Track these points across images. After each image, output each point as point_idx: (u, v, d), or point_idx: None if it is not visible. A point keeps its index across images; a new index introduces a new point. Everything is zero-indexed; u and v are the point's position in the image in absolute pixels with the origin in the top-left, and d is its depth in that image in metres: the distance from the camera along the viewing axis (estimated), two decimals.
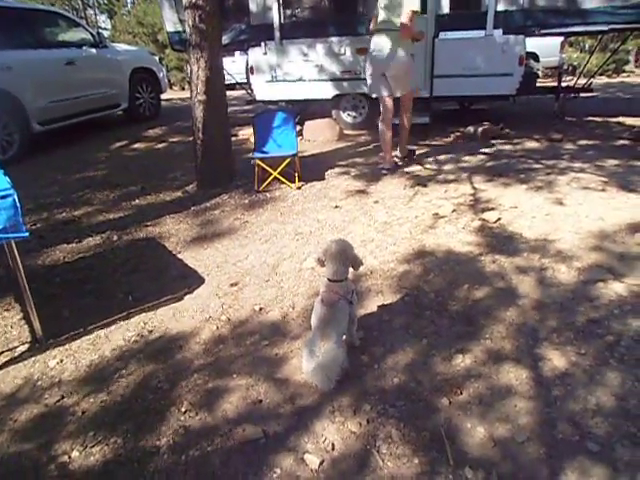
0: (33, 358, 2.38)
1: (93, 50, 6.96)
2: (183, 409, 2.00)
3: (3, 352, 2.43)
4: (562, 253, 2.97)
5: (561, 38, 10.12)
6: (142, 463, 1.77)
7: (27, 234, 2.18)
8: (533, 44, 8.36)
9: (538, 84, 8.46)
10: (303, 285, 2.89)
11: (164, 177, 5.19)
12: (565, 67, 11.78)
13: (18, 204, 2.13)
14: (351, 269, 2.20)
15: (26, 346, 2.47)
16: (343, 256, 2.14)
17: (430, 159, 5.23)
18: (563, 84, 7.24)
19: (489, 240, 3.22)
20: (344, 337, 2.18)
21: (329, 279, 2.15)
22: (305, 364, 2.10)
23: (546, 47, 10.23)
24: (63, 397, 2.12)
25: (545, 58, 10.73)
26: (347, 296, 2.13)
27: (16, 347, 2.47)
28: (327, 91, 6.56)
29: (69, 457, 1.80)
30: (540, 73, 10.33)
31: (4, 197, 2.10)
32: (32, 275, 2.77)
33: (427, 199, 4.03)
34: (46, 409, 2.05)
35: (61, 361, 2.35)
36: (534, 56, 9.99)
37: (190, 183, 4.79)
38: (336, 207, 4.02)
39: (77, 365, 2.32)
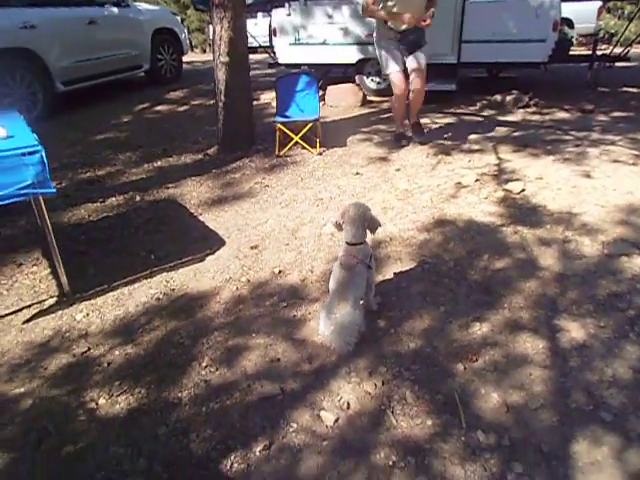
0: (61, 311, 2.48)
1: (115, 9, 6.86)
2: (204, 364, 2.07)
3: (33, 304, 2.53)
4: (587, 226, 2.92)
5: (599, 3, 9.64)
6: (165, 413, 1.85)
7: (54, 190, 2.23)
8: (568, 9, 7.96)
9: (571, 52, 8.11)
10: (322, 250, 2.91)
11: (186, 140, 5.19)
12: (601, 34, 11.23)
13: (45, 160, 2.17)
14: (369, 234, 2.20)
15: (54, 300, 2.57)
16: (361, 218, 2.13)
17: (455, 127, 5.11)
18: (598, 52, 6.92)
19: (512, 211, 3.17)
20: (361, 301, 2.20)
21: (347, 242, 2.16)
22: (322, 327, 2.14)
23: (582, 13, 9.74)
24: (90, 349, 2.21)
25: (580, 24, 10.21)
26: (365, 260, 2.14)
27: (44, 300, 2.57)
28: (351, 55, 6.39)
29: (96, 404, 1.89)
30: (574, 40, 9.88)
31: (32, 153, 2.14)
32: (59, 232, 2.83)
33: (450, 168, 3.96)
34: (74, 359, 2.14)
35: (87, 315, 2.44)
36: (568, 22, 9.53)
37: (211, 146, 4.79)
38: (357, 174, 3.99)
39: (102, 319, 2.41)
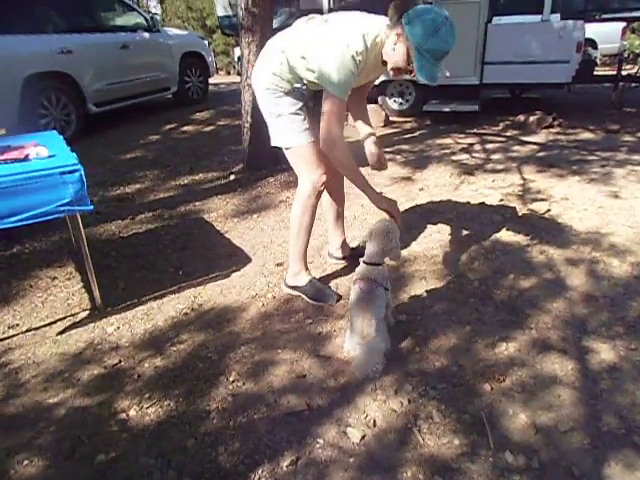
0: (93, 324, 2.54)
1: (146, 34, 7.16)
2: (231, 378, 2.10)
3: (66, 317, 2.61)
4: (615, 247, 2.89)
5: (623, 24, 9.62)
6: (193, 425, 1.88)
7: (92, 207, 2.32)
8: (591, 30, 7.97)
9: (595, 72, 8.09)
10: (346, 268, 2.94)
11: (212, 159, 5.33)
12: (626, 55, 11.16)
13: (84, 179, 2.27)
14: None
15: (86, 313, 2.64)
16: (386, 239, 2.14)
17: (478, 148, 5.13)
18: (623, 72, 6.90)
19: (537, 231, 3.16)
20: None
21: (365, 262, 2.17)
22: (347, 345, 2.16)
23: (606, 33, 9.74)
24: (120, 361, 2.26)
25: (604, 45, 10.20)
26: (383, 283, 2.14)
27: (77, 313, 2.65)
28: None
29: (127, 415, 1.94)
30: (598, 61, 9.85)
31: (72, 172, 2.25)
32: (91, 248, 2.92)
33: (474, 188, 3.97)
34: (105, 371, 2.20)
35: (118, 328, 2.51)
36: (592, 43, 9.53)
37: (237, 165, 4.90)
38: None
39: (133, 332, 2.47)
